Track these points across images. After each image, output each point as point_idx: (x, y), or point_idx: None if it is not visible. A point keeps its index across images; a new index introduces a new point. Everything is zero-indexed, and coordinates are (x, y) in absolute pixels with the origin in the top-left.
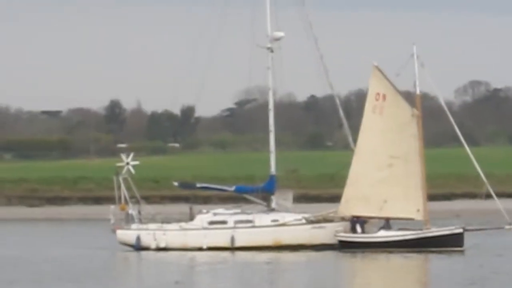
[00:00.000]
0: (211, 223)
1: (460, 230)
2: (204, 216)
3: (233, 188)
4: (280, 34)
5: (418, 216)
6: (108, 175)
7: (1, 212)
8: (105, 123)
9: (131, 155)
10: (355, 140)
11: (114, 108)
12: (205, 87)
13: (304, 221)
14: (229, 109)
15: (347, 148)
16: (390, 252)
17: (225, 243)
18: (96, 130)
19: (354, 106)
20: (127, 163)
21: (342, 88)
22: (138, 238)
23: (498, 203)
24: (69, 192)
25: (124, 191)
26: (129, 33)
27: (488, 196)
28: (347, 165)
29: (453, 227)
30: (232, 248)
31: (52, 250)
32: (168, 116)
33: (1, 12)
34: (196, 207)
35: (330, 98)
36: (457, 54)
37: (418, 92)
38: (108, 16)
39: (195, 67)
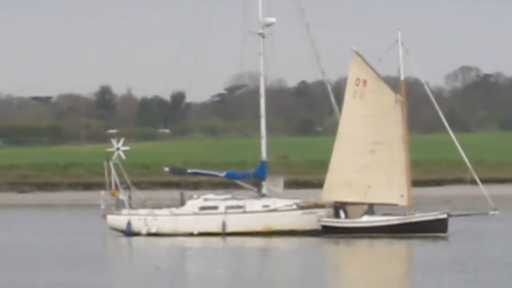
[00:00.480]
0: (202, 208)
1: (444, 216)
2: (195, 202)
3: (223, 174)
4: (272, 20)
5: (402, 202)
6: (98, 161)
7: None
8: (96, 109)
9: (122, 140)
10: None
11: (105, 94)
12: (196, 73)
13: (295, 206)
14: (220, 95)
15: None
16: (374, 237)
17: (216, 228)
18: (86, 116)
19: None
20: (118, 149)
21: (333, 74)
22: (129, 224)
23: (483, 189)
24: (59, 178)
25: (114, 176)
26: (119, 19)
27: (473, 181)
28: None
29: (437, 213)
30: (223, 234)
31: (43, 236)
32: (158, 102)
33: None
34: (187, 193)
35: (320, 84)
36: (447, 41)
37: (402, 78)
38: (98, 2)
39: (186, 52)
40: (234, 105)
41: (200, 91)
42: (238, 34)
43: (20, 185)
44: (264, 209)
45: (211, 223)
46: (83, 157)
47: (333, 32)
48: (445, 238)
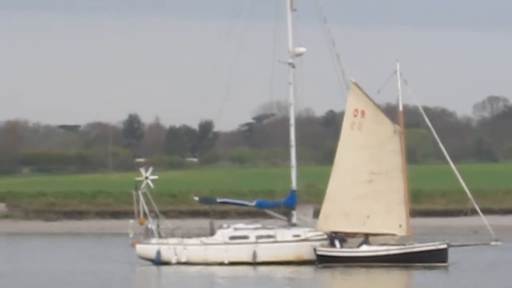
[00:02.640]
0: (232, 238)
1: (444, 246)
2: (225, 231)
3: (253, 203)
4: (302, 49)
5: (401, 232)
6: (126, 190)
7: (19, 226)
8: (123, 137)
9: (150, 169)
10: None
11: (133, 122)
12: (225, 102)
13: (325, 236)
14: (248, 124)
15: None
16: (374, 267)
17: (247, 258)
18: (114, 145)
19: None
20: (146, 178)
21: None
22: (159, 253)
23: (484, 219)
24: (86, 206)
25: (143, 205)
26: (148, 46)
27: (474, 212)
28: None
29: (437, 243)
30: (254, 263)
31: (71, 264)
32: (186, 130)
33: (29, 23)
34: (216, 222)
35: None
36: (476, 71)
37: (401, 108)
38: (126, 30)
39: (215, 81)
40: (262, 134)
41: (228, 120)
42: (267, 63)
43: (47, 213)
44: (295, 238)
45: (242, 252)
46: (110, 185)
47: (363, 60)
48: (445, 268)
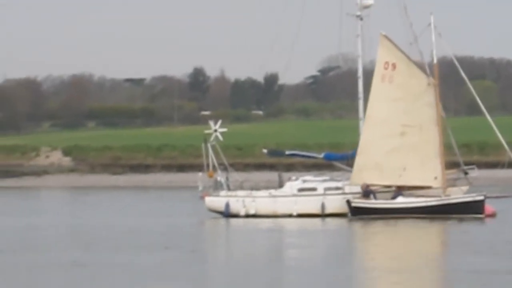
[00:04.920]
0: (301, 190)
1: (481, 197)
2: (293, 183)
3: (321, 156)
4: (370, 1)
5: (436, 184)
6: (191, 143)
7: (84, 180)
8: (189, 90)
9: (219, 122)
10: (444, 107)
11: (198, 75)
12: (291, 55)
13: (393, 188)
14: (313, 77)
15: None
16: (410, 218)
17: (315, 210)
18: (179, 98)
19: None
20: (215, 130)
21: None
22: (227, 205)
23: None
24: (152, 160)
25: (212, 158)
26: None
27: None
28: None
29: (474, 194)
30: (322, 215)
31: (139, 218)
32: (251, 83)
33: None
34: (284, 174)
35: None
36: None
37: (435, 61)
38: None
39: (281, 34)
40: (327, 86)
41: (293, 72)
42: (335, 16)
43: (113, 167)
44: None
45: (310, 204)
46: (176, 139)
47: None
48: (481, 220)
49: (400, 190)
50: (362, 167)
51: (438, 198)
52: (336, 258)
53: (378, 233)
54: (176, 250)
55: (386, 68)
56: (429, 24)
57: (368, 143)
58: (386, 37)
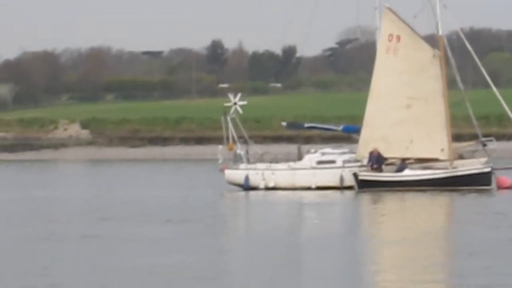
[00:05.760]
0: (320, 162)
1: (489, 169)
2: (312, 156)
3: (340, 128)
4: None
5: (443, 156)
6: (210, 116)
7: (102, 152)
8: (207, 63)
9: (239, 95)
10: (462, 80)
11: (216, 48)
12: (310, 28)
13: (412, 160)
14: (331, 49)
15: (455, 87)
16: (418, 191)
17: (334, 182)
18: (197, 71)
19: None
20: (235, 103)
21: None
22: (247, 178)
23: None
24: (170, 132)
25: (232, 131)
26: None
27: None
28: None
29: (481, 166)
30: (341, 188)
31: (158, 191)
32: (269, 56)
33: None
34: (303, 147)
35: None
36: None
37: (440, 33)
38: None
39: (299, 7)
40: (345, 59)
41: (311, 45)
42: None
43: (132, 139)
44: None
45: (329, 177)
46: (194, 111)
47: None
48: (490, 192)
49: (404, 162)
50: (368, 140)
51: (446, 170)
52: (351, 232)
53: (401, 208)
54: (196, 223)
55: (390, 40)
56: None
57: (374, 116)
58: (390, 9)
